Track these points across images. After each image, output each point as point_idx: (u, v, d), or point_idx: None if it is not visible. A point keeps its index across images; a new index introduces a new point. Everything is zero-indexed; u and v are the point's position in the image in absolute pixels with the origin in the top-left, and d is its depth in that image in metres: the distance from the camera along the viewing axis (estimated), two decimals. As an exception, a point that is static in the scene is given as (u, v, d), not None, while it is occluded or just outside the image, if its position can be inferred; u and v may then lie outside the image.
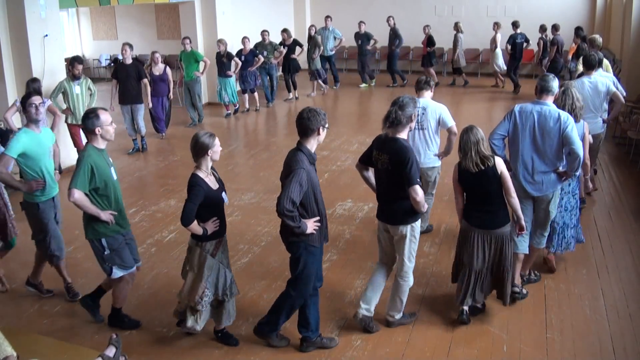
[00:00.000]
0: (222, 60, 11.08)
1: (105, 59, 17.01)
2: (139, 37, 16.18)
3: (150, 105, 9.48)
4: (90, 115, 4.09)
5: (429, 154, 5.68)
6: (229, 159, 9.10)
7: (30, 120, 4.65)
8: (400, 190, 4.02)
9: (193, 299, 4.00)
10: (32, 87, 6.82)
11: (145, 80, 9.12)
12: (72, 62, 7.80)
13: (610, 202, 6.85)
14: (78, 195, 3.95)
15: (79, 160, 4.10)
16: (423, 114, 5.57)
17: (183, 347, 4.27)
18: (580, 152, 4.48)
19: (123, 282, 4.36)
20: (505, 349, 4.16)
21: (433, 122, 5.62)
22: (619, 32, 11.78)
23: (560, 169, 4.67)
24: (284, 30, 12.71)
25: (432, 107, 5.63)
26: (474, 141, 4.13)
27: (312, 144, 3.86)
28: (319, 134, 3.83)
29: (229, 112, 11.70)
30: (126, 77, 8.94)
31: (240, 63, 11.23)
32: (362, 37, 14.00)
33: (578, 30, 11.39)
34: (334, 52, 13.95)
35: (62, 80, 7.93)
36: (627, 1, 10.54)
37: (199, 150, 3.93)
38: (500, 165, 4.15)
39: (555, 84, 4.66)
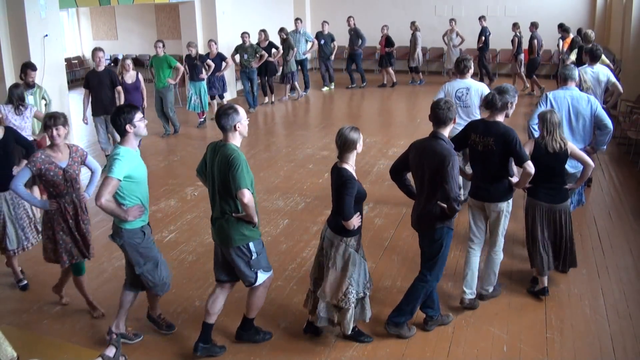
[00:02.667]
0: (195, 63, 10.52)
1: (106, 59, 16.98)
2: (139, 37, 16.20)
3: None
4: (229, 112, 3.79)
5: None
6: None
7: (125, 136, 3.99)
8: (502, 169, 4.37)
9: (337, 297, 3.93)
10: (15, 94, 6.15)
11: (119, 88, 8.27)
12: (24, 69, 6.89)
13: (610, 202, 6.85)
14: (249, 196, 3.71)
15: (233, 160, 3.74)
16: (467, 93, 6.23)
17: (183, 347, 4.27)
18: (611, 126, 5.28)
19: (262, 287, 4.10)
20: (505, 349, 4.16)
21: (476, 99, 6.18)
22: (619, 32, 11.78)
23: (587, 147, 5.38)
24: (262, 31, 12.11)
25: (474, 87, 6.27)
26: (557, 122, 4.53)
27: (446, 133, 4.05)
28: (454, 123, 4.07)
29: (202, 119, 11.01)
30: (99, 86, 8.11)
31: (213, 65, 10.78)
32: (326, 38, 13.48)
33: (563, 25, 11.94)
34: (307, 56, 13.39)
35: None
36: (627, 1, 10.54)
37: (349, 145, 3.88)
38: (572, 146, 4.57)
39: (576, 72, 5.47)
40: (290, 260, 5.55)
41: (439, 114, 3.98)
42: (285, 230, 6.25)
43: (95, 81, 8.11)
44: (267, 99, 12.74)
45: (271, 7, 15.65)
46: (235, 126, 3.80)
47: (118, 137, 8.25)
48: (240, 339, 4.27)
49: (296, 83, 13.01)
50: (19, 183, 4.31)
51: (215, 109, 11.35)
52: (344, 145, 3.88)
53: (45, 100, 7.07)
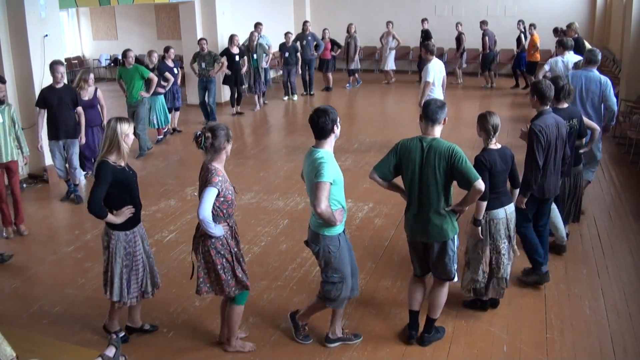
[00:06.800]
0: (154, 74, 9.40)
1: (105, 59, 17.03)
2: (139, 37, 16.21)
3: (84, 140, 7.26)
4: (439, 105, 3.91)
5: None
6: (228, 159, 9.10)
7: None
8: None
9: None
10: None
11: (80, 109, 7.13)
12: None
13: (610, 202, 6.85)
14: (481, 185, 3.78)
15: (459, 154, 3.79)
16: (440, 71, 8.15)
17: (183, 347, 4.27)
18: (615, 107, 6.02)
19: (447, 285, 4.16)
20: (505, 349, 4.16)
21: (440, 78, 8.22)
22: (619, 32, 11.78)
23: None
24: (232, 36, 11.42)
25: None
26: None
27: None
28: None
29: (161, 137, 9.99)
30: (59, 105, 6.88)
31: (172, 78, 9.91)
32: (290, 50, 12.73)
33: (523, 22, 13.41)
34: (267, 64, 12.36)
35: None
36: (627, 1, 10.54)
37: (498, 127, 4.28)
38: (589, 122, 5.32)
39: (600, 57, 6.12)
40: (290, 260, 5.55)
41: (545, 93, 4.62)
42: (285, 230, 6.25)
43: (54, 100, 6.89)
44: (234, 110, 11.82)
45: (271, 7, 15.65)
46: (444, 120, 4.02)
47: (77, 166, 7.36)
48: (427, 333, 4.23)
49: (256, 96, 12.34)
50: (211, 210, 3.68)
51: (175, 121, 10.62)
52: (498, 128, 4.26)
53: (14, 121, 6.08)
